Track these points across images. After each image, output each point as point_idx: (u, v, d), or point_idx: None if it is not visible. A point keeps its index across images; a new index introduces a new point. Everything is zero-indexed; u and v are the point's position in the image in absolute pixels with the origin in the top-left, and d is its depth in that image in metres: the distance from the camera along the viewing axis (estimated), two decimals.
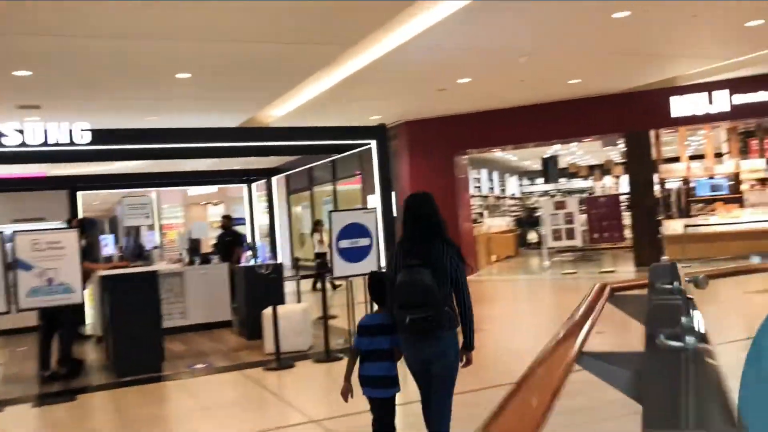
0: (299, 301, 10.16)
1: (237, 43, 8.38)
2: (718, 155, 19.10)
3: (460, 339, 3.57)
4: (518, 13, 8.24)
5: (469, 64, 10.64)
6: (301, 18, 7.67)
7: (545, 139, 15.20)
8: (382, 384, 3.65)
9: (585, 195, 21.06)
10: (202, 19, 7.41)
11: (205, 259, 10.69)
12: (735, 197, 17.14)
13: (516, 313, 10.09)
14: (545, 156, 28.51)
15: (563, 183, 29.46)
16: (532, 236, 24.46)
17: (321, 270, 13.71)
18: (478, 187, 25.89)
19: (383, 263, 7.81)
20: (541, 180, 31.63)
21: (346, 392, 3.71)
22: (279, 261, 10.19)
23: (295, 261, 11.84)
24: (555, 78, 12.15)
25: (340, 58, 9.75)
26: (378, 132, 7.91)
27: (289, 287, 9.97)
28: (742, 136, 18.53)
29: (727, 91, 13.22)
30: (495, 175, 28.66)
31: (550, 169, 28.74)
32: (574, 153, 28.19)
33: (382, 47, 9.34)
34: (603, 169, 26.02)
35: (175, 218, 27.34)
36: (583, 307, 1.93)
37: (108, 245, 13.33)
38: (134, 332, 7.10)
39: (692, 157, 19.46)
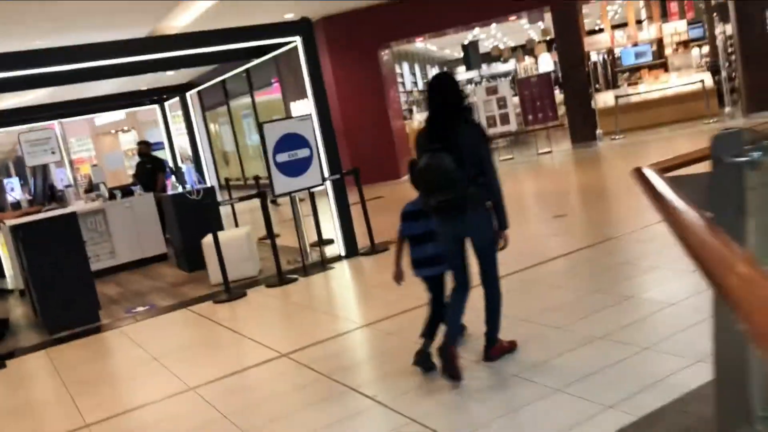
0: (237, 224, 9.51)
1: None
2: (639, 22, 18.90)
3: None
4: None
5: None
6: None
7: (470, 22, 14.50)
8: (436, 262, 3.82)
9: (510, 78, 20.65)
10: None
11: (128, 192, 9.79)
12: (659, 63, 17.10)
13: None
14: (465, 42, 27.81)
15: (485, 69, 28.95)
16: None
17: None
18: (402, 82, 25.12)
19: (326, 174, 7.21)
20: (462, 68, 31.03)
21: (398, 276, 3.95)
22: (209, 184, 9.42)
23: (226, 182, 11.05)
24: None
25: None
26: (302, 27, 7.05)
27: (222, 211, 9.29)
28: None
29: None
30: (417, 69, 27.86)
31: (472, 56, 28.13)
32: (495, 36, 27.57)
33: None
34: (525, 50, 25.62)
35: (85, 151, 25.60)
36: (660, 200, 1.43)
37: (14, 189, 12.12)
38: (60, 282, 6.34)
39: (614, 27, 19.20)
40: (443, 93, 3.60)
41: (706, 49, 18.96)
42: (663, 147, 11.99)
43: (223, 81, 18.88)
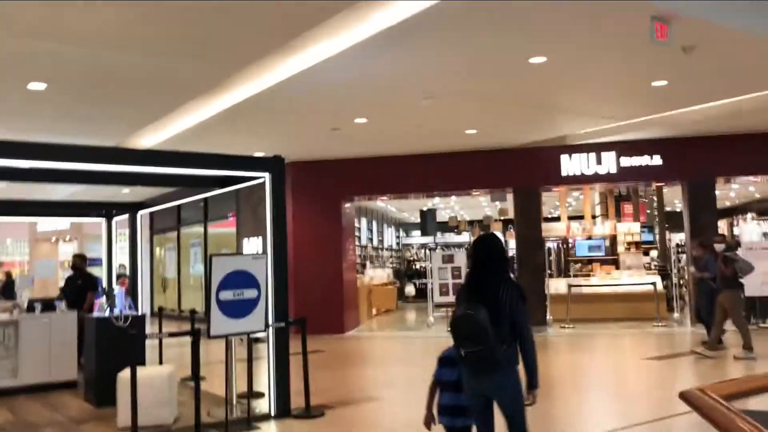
0: (161, 361, 8.68)
1: (107, 50, 7.07)
2: (594, 217, 19.57)
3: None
4: (426, 50, 7.57)
5: (368, 103, 9.88)
6: (185, 27, 6.54)
7: (434, 190, 14.70)
8: (466, 413, 3.86)
9: (464, 249, 20.77)
10: (62, 14, 6.09)
11: (49, 305, 8.95)
12: (611, 259, 17.47)
13: (412, 378, 9.12)
14: (424, 208, 28.40)
15: (439, 237, 29.42)
16: (410, 289, 23.91)
17: None
18: (358, 236, 25.16)
19: (271, 319, 6.65)
20: (416, 232, 31.48)
21: (429, 422, 4.04)
22: (140, 312, 8.70)
23: (159, 311, 10.29)
24: (452, 127, 11.67)
25: (226, 81, 8.66)
26: (274, 164, 6.84)
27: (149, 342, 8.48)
28: (616, 199, 19.10)
29: (614, 154, 13.36)
30: (374, 225, 28.09)
31: (429, 222, 28.65)
32: (452, 207, 28.30)
33: (276, 75, 8.37)
34: (482, 225, 26.20)
35: (19, 255, 24.34)
36: None
37: None
38: None
39: (570, 218, 19.81)
40: (488, 250, 3.79)
41: (655, 252, 19.59)
42: (612, 344, 11.81)
43: (179, 206, 18.51)
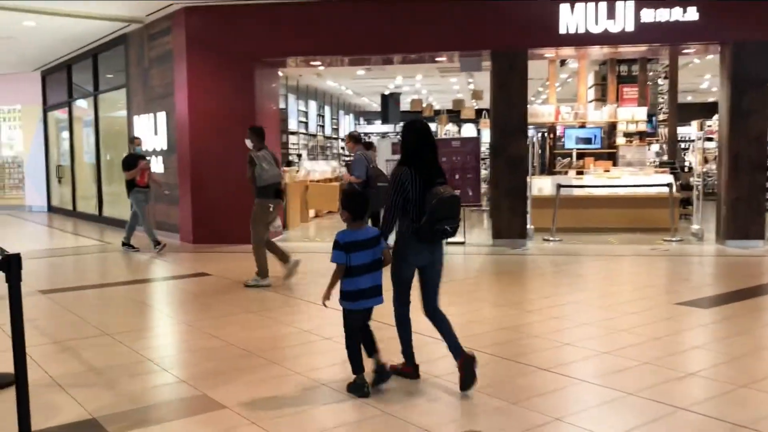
0: None
1: None
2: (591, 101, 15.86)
3: None
4: None
5: None
6: None
7: (390, 52, 10.73)
8: (377, 293, 3.92)
9: None
10: None
11: None
12: (607, 152, 13.99)
13: (321, 326, 5.70)
14: (386, 92, 24.40)
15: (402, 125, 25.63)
16: None
17: None
18: (305, 122, 21.28)
19: None
20: (379, 121, 27.59)
21: (327, 299, 3.85)
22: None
23: None
24: None
25: None
26: None
27: None
28: (617, 79, 15.33)
29: (633, 4, 9.52)
30: (327, 111, 24.12)
31: (391, 108, 24.72)
32: (419, 91, 24.34)
33: None
34: (450, 114, 22.33)
35: None
36: None
37: None
38: None
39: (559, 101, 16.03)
40: (431, 137, 4.02)
41: (656, 146, 16.14)
42: (609, 269, 8.49)
43: (69, 68, 14.41)
